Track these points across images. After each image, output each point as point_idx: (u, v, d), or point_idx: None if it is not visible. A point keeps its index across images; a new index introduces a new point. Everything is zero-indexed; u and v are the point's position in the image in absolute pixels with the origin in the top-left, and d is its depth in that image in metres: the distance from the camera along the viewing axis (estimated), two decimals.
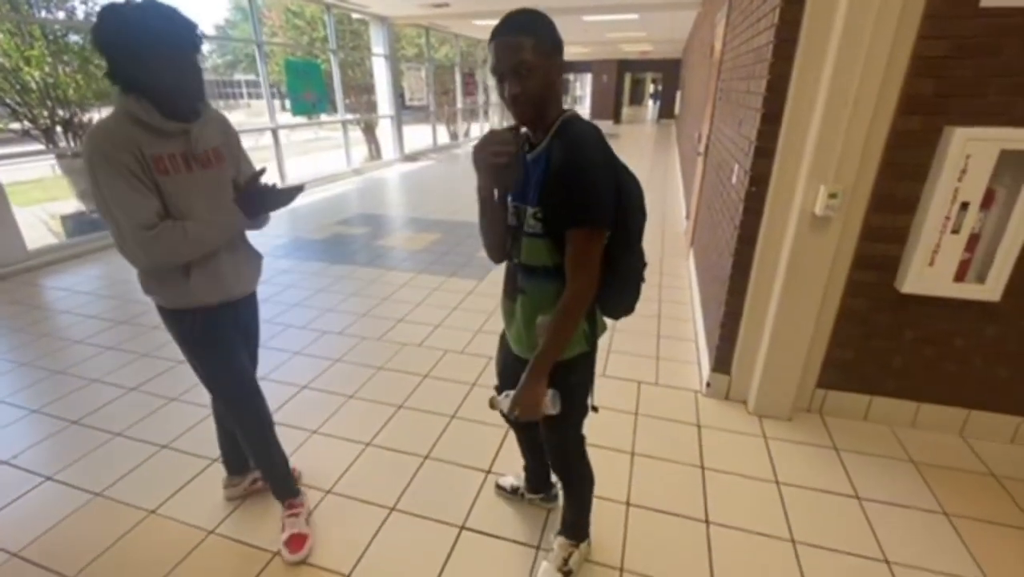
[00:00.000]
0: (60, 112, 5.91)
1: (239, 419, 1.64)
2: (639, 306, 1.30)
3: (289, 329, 3.25)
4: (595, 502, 1.59)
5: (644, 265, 1.25)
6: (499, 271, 4.25)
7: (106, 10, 1.16)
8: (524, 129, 1.14)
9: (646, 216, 1.18)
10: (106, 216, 1.26)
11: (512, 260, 1.26)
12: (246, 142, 1.65)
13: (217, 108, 1.45)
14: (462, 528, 1.77)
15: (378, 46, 9.86)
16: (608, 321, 1.33)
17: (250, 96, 34.92)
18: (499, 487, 1.91)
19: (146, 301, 3.68)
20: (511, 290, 1.29)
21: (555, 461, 1.50)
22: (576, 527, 1.61)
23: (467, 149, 12.85)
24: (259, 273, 1.62)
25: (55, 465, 2.08)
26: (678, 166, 9.15)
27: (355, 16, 10.04)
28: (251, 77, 34.50)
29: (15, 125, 5.74)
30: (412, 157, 10.94)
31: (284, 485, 1.77)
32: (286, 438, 1.81)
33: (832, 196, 1.90)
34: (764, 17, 2.13)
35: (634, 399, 2.48)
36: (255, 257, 1.60)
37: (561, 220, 1.09)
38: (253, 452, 1.73)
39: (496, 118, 17.57)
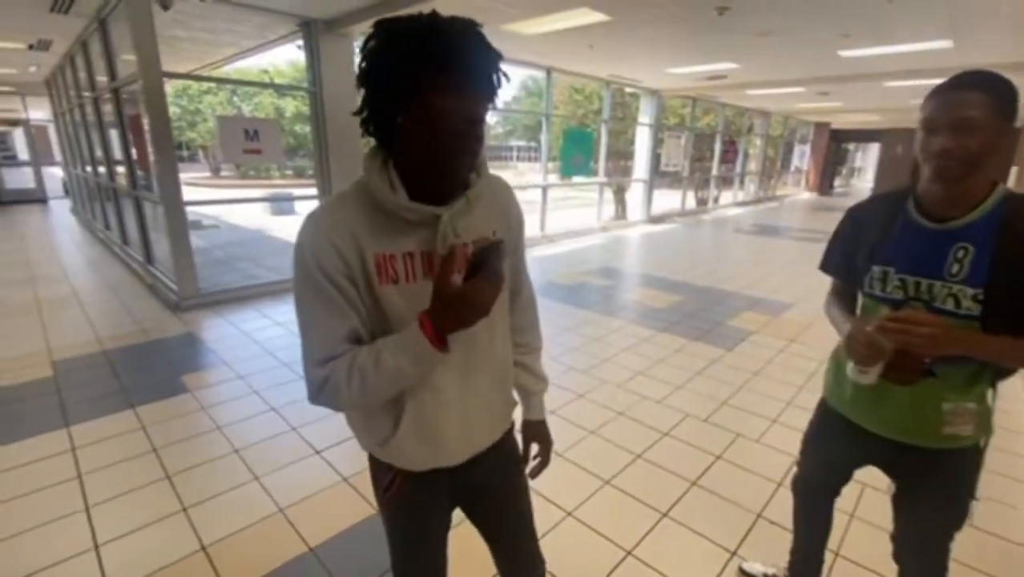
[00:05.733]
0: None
1: None
2: None
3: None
4: None
5: None
6: (750, 344, 3.91)
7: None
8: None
9: None
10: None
11: None
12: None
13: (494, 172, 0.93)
14: None
15: (645, 116, 10.45)
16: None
17: (518, 159, 40.73)
18: (745, 573, 1.73)
19: (288, 347, 3.97)
20: (903, 372, 1.10)
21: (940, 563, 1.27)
22: None
23: (715, 216, 12.38)
24: (505, 421, 1.04)
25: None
26: None
27: (628, 90, 10.90)
28: (521, 143, 40.29)
29: None
30: (658, 219, 11.08)
31: None
32: None
33: None
34: None
35: None
36: (503, 401, 1.02)
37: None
38: None
39: (752, 187, 16.54)
